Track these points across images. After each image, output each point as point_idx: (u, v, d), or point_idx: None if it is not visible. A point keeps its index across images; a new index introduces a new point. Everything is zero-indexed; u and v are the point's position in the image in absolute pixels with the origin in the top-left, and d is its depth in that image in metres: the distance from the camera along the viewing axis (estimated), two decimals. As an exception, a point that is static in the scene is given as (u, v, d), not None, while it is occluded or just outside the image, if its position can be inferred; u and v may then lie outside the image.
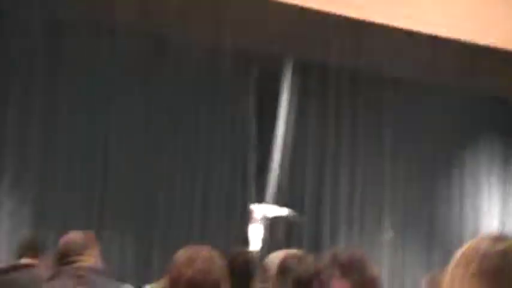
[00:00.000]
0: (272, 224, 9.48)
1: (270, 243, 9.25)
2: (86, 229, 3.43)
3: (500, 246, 1.68)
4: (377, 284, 3.44)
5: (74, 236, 3.16)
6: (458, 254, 1.74)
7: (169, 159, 8.73)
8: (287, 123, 9.23)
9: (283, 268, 2.80)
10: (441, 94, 10.00)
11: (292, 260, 3.07)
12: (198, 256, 2.49)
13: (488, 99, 10.25)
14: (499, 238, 1.71)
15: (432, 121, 10.15)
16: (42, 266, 4.36)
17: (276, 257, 3.57)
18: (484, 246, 1.69)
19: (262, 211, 9.60)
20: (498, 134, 10.70)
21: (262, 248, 9.06)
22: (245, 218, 9.14)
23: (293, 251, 3.95)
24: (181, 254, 2.54)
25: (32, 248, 4.44)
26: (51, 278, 3.05)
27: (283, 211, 9.68)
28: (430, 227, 10.20)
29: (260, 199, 9.29)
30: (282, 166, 9.16)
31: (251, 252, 4.23)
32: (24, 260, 4.37)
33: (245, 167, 9.11)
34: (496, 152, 10.73)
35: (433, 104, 10.17)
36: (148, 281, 6.36)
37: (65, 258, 3.08)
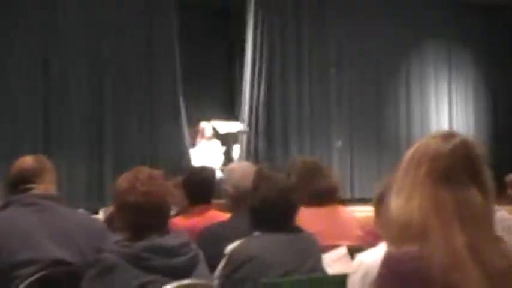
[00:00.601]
0: (225, 139, 9.67)
1: (225, 159, 9.44)
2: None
3: (449, 145, 1.67)
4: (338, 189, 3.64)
5: (25, 162, 3.01)
6: (409, 154, 1.72)
7: (113, 81, 8.66)
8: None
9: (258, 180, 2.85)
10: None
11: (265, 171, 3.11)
12: (138, 179, 2.50)
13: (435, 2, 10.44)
14: (448, 135, 1.70)
15: (377, 26, 10.25)
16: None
17: (234, 170, 3.64)
18: (434, 146, 1.68)
19: (214, 127, 9.71)
20: (444, 38, 10.84)
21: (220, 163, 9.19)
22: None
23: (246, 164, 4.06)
24: (122, 180, 2.56)
25: None
26: (3, 207, 2.93)
27: (234, 126, 9.81)
28: (379, 130, 10.41)
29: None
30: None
31: (209, 168, 4.25)
32: None
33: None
34: (441, 54, 10.89)
35: (378, 9, 10.22)
36: (102, 204, 6.42)
37: (16, 186, 2.97)
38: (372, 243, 2.74)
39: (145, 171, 2.59)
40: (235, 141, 9.64)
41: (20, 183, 3.02)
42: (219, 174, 8.12)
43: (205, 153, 9.53)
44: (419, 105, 10.74)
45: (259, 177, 2.91)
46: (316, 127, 10.22)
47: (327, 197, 3.56)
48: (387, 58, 10.45)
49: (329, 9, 10.14)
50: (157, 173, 2.62)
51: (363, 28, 10.24)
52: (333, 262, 3.02)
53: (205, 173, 3.99)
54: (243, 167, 3.68)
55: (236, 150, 9.74)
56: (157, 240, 2.43)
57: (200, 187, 3.85)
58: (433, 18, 10.64)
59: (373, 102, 10.40)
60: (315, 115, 10.19)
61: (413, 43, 10.66)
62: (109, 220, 3.42)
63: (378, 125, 10.43)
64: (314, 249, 2.86)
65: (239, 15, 10.21)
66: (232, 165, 3.85)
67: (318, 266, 2.82)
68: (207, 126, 9.66)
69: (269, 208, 2.76)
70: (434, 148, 1.68)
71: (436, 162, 1.66)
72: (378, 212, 2.72)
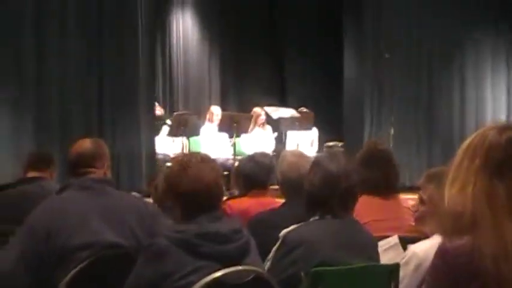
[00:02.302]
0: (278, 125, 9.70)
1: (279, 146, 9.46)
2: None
3: (506, 136, 1.65)
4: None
5: (84, 145, 3.05)
6: (464, 145, 1.70)
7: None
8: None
9: (317, 163, 2.86)
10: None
11: (323, 156, 3.12)
12: (190, 162, 2.50)
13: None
14: (505, 127, 1.67)
15: (431, 12, 10.06)
16: (51, 179, 4.33)
17: (291, 156, 3.63)
18: (490, 137, 1.65)
19: (267, 113, 9.74)
20: (504, 21, 10.51)
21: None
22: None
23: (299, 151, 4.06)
24: (173, 163, 2.57)
25: (38, 162, 4.38)
26: (61, 190, 2.97)
27: (287, 112, 9.81)
28: (430, 119, 10.26)
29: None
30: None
31: (266, 153, 4.27)
32: (32, 174, 4.30)
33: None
34: (500, 40, 10.59)
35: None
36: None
37: (75, 169, 3.01)
38: (425, 234, 2.72)
39: (197, 155, 2.60)
40: (289, 128, 9.63)
41: (79, 166, 3.06)
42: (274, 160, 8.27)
43: (259, 139, 9.62)
44: (474, 95, 10.45)
45: (315, 163, 2.88)
46: (370, 115, 10.14)
47: (386, 185, 3.52)
48: (441, 45, 10.21)
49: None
50: (208, 156, 2.62)
51: (416, 14, 10.08)
52: (384, 251, 2.99)
53: (262, 158, 4.00)
54: (293, 155, 3.66)
55: (289, 137, 9.76)
56: (209, 226, 2.42)
57: (256, 171, 3.86)
58: (490, 3, 10.34)
59: (426, 91, 10.21)
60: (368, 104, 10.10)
61: (468, 28, 10.35)
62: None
63: (430, 115, 10.23)
64: (368, 239, 2.84)
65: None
66: (283, 153, 3.82)
67: (371, 256, 2.80)
68: (260, 112, 9.75)
69: (323, 195, 2.74)
70: (490, 139, 1.66)
71: (492, 154, 1.64)
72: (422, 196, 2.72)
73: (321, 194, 2.75)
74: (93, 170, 3.05)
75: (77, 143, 3.14)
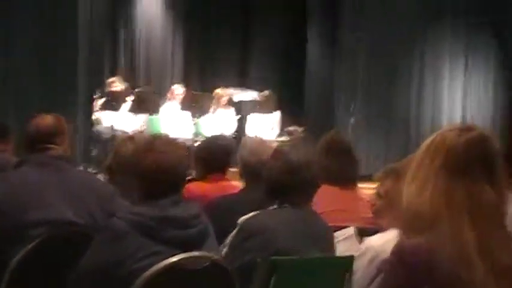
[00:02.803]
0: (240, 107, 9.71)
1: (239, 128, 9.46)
2: None
3: (465, 138, 1.68)
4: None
5: (45, 121, 3.00)
6: (425, 145, 1.72)
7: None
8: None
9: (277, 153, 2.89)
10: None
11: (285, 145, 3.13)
12: (155, 142, 2.48)
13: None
14: (466, 129, 1.71)
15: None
16: (9, 151, 4.31)
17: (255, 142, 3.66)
18: (450, 138, 1.69)
19: (229, 95, 9.74)
20: (462, 16, 10.53)
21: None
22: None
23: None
24: (137, 143, 2.60)
25: None
26: (18, 164, 2.94)
27: (249, 94, 9.84)
28: (390, 110, 10.38)
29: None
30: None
31: (226, 137, 4.28)
32: None
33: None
34: (460, 35, 10.67)
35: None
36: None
37: (34, 144, 2.97)
38: (382, 227, 2.76)
39: (162, 135, 2.59)
40: (250, 110, 9.64)
41: (38, 142, 3.01)
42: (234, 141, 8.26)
43: (220, 121, 9.58)
44: (432, 84, 10.55)
45: (277, 152, 2.90)
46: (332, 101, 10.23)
47: (345, 176, 3.57)
48: (401, 33, 10.27)
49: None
50: (174, 138, 2.59)
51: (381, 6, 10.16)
52: (340, 242, 3.04)
53: (221, 142, 4.00)
54: (255, 141, 3.69)
55: (250, 120, 9.76)
56: (169, 210, 2.40)
57: (215, 155, 3.86)
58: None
59: (386, 78, 10.28)
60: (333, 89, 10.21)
61: (430, 17, 10.41)
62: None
63: (389, 102, 10.33)
64: (324, 229, 2.86)
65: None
66: (245, 138, 3.83)
67: (327, 247, 2.83)
68: (222, 93, 9.72)
69: (283, 184, 2.75)
70: (450, 140, 1.69)
71: (451, 155, 1.67)
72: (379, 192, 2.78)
73: (281, 182, 2.76)
74: (52, 146, 3.01)
75: (37, 117, 3.09)
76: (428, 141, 1.74)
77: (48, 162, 2.93)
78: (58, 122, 3.09)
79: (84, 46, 8.05)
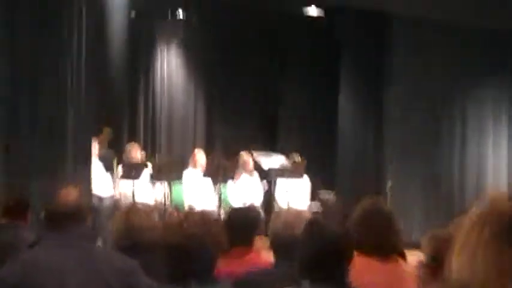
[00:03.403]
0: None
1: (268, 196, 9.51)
2: None
3: None
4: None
5: (66, 194, 3.00)
6: (474, 212, 1.71)
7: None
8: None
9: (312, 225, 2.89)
10: (445, 32, 10.04)
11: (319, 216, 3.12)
12: (187, 219, 2.51)
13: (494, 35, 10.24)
14: None
15: (437, 58, 10.21)
16: (26, 227, 4.29)
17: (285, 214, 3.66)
18: (500, 206, 1.68)
19: (255, 159, 9.78)
20: (506, 73, 10.63)
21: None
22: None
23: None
24: (168, 217, 2.57)
25: (14, 207, 4.35)
26: (36, 243, 2.98)
27: (278, 159, 9.85)
28: (430, 172, 10.32)
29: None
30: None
31: (252, 208, 4.29)
32: (5, 220, 4.32)
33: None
34: (504, 94, 10.66)
35: (436, 40, 10.18)
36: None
37: (53, 221, 2.97)
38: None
39: (196, 211, 2.65)
40: (278, 175, 9.64)
41: (61, 219, 3.02)
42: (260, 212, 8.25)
43: (246, 187, 9.66)
44: (475, 145, 10.55)
45: (310, 225, 2.91)
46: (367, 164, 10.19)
47: (385, 248, 3.50)
48: (444, 93, 10.32)
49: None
50: (208, 213, 2.64)
51: (422, 58, 10.22)
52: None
53: (248, 214, 4.01)
54: (289, 214, 3.67)
55: (279, 185, 9.79)
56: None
57: (242, 229, 3.87)
58: (494, 52, 10.49)
59: (425, 138, 10.29)
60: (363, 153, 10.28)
61: (472, 77, 10.46)
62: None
63: (430, 165, 10.32)
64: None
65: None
66: (279, 211, 3.80)
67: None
68: (247, 158, 9.82)
69: (317, 260, 2.76)
70: (501, 208, 1.69)
71: (502, 223, 1.66)
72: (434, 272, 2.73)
73: (315, 258, 2.77)
74: (74, 225, 3.02)
75: (62, 191, 3.11)
76: (476, 208, 1.74)
77: (68, 243, 2.94)
78: (79, 194, 3.12)
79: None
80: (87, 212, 3.10)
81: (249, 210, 4.18)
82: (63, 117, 7.48)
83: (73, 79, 7.53)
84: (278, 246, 3.51)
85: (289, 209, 4.57)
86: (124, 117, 11.04)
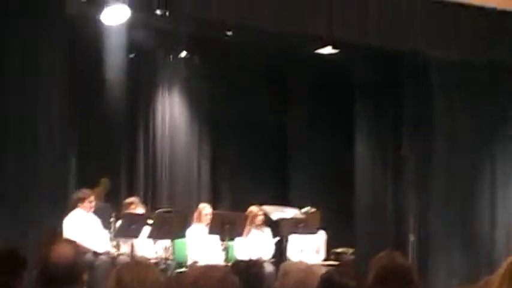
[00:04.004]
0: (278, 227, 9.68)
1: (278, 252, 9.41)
2: None
3: None
4: None
5: (64, 253, 2.98)
6: (503, 268, 1.82)
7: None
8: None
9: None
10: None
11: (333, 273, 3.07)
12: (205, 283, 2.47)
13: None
14: None
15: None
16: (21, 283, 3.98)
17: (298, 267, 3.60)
18: None
19: (265, 213, 9.69)
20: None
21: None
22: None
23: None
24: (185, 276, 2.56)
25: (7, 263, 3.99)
26: None
27: (289, 212, 9.77)
28: (456, 227, 10.18)
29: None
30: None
31: (257, 262, 4.18)
32: None
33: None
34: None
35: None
36: None
37: (46, 283, 2.96)
38: None
39: (216, 272, 2.54)
40: (291, 230, 9.51)
41: (55, 282, 2.98)
42: (268, 268, 8.16)
43: (255, 244, 9.60)
44: (504, 202, 10.42)
45: (325, 282, 2.88)
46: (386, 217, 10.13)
47: None
48: (472, 144, 10.26)
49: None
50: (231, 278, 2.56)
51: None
52: None
53: (255, 269, 3.93)
54: (300, 270, 3.59)
55: (292, 241, 9.72)
56: None
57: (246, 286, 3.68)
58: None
59: (449, 191, 10.21)
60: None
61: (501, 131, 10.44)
62: None
63: (456, 219, 10.18)
64: None
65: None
66: (287, 266, 3.72)
67: None
68: (257, 212, 9.76)
69: None
70: None
71: None
72: None
73: None
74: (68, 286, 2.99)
75: (57, 247, 3.07)
76: (505, 265, 1.84)
77: None
78: (78, 252, 3.09)
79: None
80: (82, 272, 3.05)
81: (255, 265, 4.03)
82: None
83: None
84: None
85: (299, 262, 4.44)
86: (122, 166, 11.09)
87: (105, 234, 9.16)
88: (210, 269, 2.58)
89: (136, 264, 3.20)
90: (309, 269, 3.63)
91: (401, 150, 9.82)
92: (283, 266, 3.80)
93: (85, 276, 3.14)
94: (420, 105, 10.25)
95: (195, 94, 11.79)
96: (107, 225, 9.21)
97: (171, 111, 11.71)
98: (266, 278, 3.98)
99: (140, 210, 9.62)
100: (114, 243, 9.17)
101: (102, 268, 8.54)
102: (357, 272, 3.17)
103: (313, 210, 9.89)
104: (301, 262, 5.05)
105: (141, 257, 8.91)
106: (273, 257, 9.69)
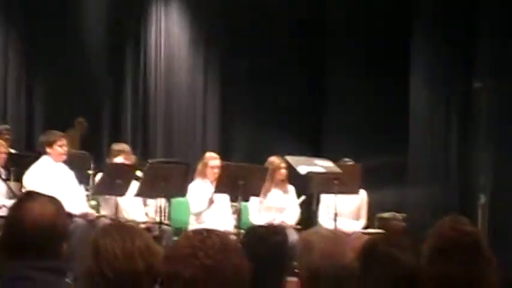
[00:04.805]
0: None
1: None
2: None
3: None
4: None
5: (40, 213, 3.07)
6: None
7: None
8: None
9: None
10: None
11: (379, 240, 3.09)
12: (204, 246, 2.58)
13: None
14: None
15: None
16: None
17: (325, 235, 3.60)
18: None
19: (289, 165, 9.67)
20: None
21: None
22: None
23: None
24: (181, 242, 2.64)
25: None
26: None
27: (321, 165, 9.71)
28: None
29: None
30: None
31: (280, 231, 4.21)
32: None
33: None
34: None
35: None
36: None
37: (18, 250, 3.04)
38: None
39: (216, 235, 2.65)
40: (323, 188, 9.52)
41: (23, 251, 3.06)
42: (293, 237, 8.16)
43: (275, 205, 9.69)
44: None
45: (367, 250, 2.91)
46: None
47: (474, 283, 3.43)
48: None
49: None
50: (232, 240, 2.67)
51: None
52: None
53: (273, 238, 3.99)
54: (328, 239, 3.57)
55: (324, 202, 9.81)
56: None
57: (267, 262, 3.86)
58: None
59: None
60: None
61: None
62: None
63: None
64: None
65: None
66: (311, 233, 3.71)
67: None
68: (279, 164, 9.77)
69: None
70: None
71: None
72: None
73: None
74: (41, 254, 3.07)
75: (31, 207, 3.14)
76: None
77: (29, 276, 3.01)
78: (60, 211, 3.16)
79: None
80: (63, 239, 3.17)
81: (274, 235, 4.06)
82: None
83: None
84: (313, 284, 3.44)
85: (328, 231, 4.46)
86: (105, 106, 11.23)
87: (81, 191, 9.19)
88: (209, 235, 2.65)
89: (121, 229, 3.22)
90: (339, 238, 3.64)
91: (473, 87, 9.74)
92: (304, 235, 3.79)
93: (65, 246, 3.23)
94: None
95: (199, 2, 11.78)
96: (83, 179, 9.31)
97: (168, 26, 11.71)
98: (290, 250, 4.02)
99: (129, 158, 9.74)
100: (93, 202, 9.23)
101: (77, 235, 8.48)
102: (410, 242, 3.23)
103: (353, 162, 9.87)
104: (331, 230, 5.02)
105: (128, 221, 8.89)
106: (299, 223, 9.76)
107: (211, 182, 9.58)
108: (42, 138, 9.22)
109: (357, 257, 2.99)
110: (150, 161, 9.85)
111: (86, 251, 3.13)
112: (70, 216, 8.68)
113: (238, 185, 9.07)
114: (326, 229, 5.98)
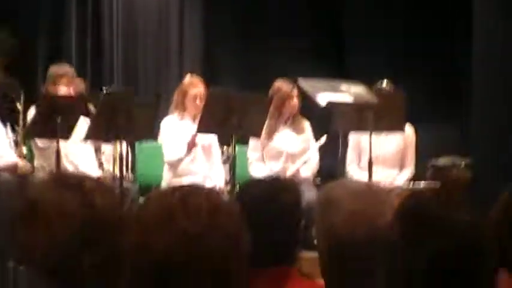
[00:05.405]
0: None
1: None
2: None
3: None
4: None
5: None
6: None
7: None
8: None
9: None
10: None
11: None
12: (185, 209, 2.58)
13: None
14: None
15: None
16: None
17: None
18: None
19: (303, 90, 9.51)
20: None
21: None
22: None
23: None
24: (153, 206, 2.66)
25: None
26: None
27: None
28: None
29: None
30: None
31: (290, 187, 4.18)
32: None
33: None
34: None
35: None
36: None
37: None
38: None
39: (201, 192, 2.70)
40: (352, 124, 9.40)
41: None
42: (310, 194, 8.09)
43: (284, 147, 9.88)
44: None
45: (417, 217, 2.74)
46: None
47: None
48: None
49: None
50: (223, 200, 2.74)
51: None
52: None
53: (283, 199, 4.02)
54: (358, 195, 3.61)
55: (352, 143, 9.93)
56: None
57: (274, 227, 3.99)
58: None
59: None
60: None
61: None
62: None
63: None
64: None
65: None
66: (333, 189, 3.65)
67: None
68: (288, 90, 9.73)
69: (432, 279, 2.65)
70: None
71: None
72: None
73: (427, 278, 2.69)
74: None
75: None
76: None
77: None
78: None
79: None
80: None
81: (276, 187, 4.04)
82: None
83: None
84: (336, 259, 3.57)
85: (357, 183, 4.56)
86: (42, 14, 11.44)
87: (5, 134, 9.19)
88: (190, 194, 2.67)
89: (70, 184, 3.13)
90: (375, 195, 3.67)
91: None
92: (326, 191, 3.73)
93: None
94: None
95: None
96: (8, 116, 9.23)
97: None
98: (305, 213, 4.09)
99: (74, 87, 9.67)
100: (24, 149, 9.23)
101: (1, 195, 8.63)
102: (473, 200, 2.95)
103: (391, 85, 9.79)
104: (363, 183, 5.00)
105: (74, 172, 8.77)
106: (318, 174, 9.95)
107: (193, 118, 9.53)
108: None
109: (399, 222, 2.76)
110: (104, 89, 9.65)
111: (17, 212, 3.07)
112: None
113: (232, 121, 8.93)
114: (356, 182, 5.81)
